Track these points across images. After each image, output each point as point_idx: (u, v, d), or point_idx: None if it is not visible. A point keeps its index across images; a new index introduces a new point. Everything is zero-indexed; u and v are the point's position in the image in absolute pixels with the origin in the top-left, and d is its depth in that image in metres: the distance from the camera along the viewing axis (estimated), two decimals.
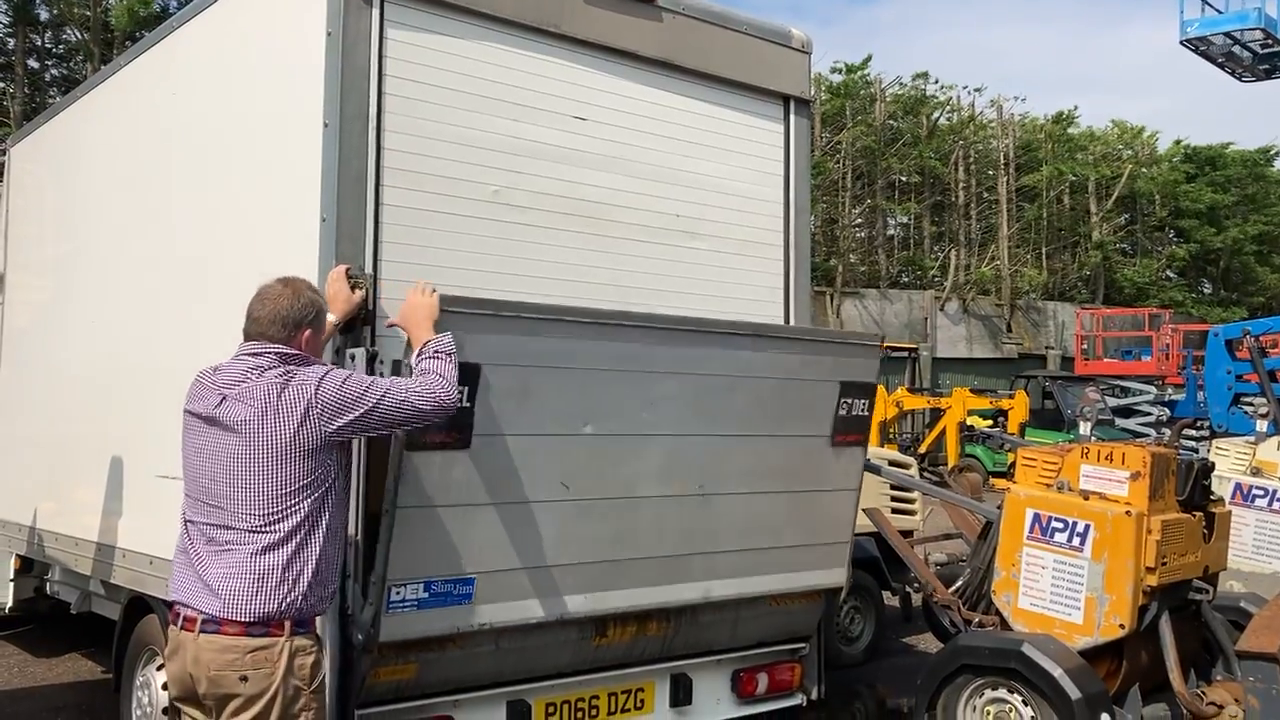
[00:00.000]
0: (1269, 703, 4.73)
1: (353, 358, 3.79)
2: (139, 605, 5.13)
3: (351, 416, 3.20)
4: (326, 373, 3.26)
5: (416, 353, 3.41)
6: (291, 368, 3.27)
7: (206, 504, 3.23)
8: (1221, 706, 5.10)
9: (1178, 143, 44.96)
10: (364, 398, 3.20)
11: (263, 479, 3.15)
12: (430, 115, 4.18)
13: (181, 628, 3.19)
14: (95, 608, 6.05)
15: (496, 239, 4.32)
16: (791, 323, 5.33)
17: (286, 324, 3.32)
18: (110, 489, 5.32)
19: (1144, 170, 42.47)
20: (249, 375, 3.26)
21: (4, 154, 7.64)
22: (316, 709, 3.21)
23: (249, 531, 3.15)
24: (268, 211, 4.37)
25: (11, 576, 7.10)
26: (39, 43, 28.09)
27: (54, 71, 28.41)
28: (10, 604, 7.21)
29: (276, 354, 3.30)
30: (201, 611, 3.14)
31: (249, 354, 3.32)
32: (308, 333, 3.38)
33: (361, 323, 3.87)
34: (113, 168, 5.84)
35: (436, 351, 3.38)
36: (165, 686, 3.40)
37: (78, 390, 5.97)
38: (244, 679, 3.09)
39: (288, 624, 3.14)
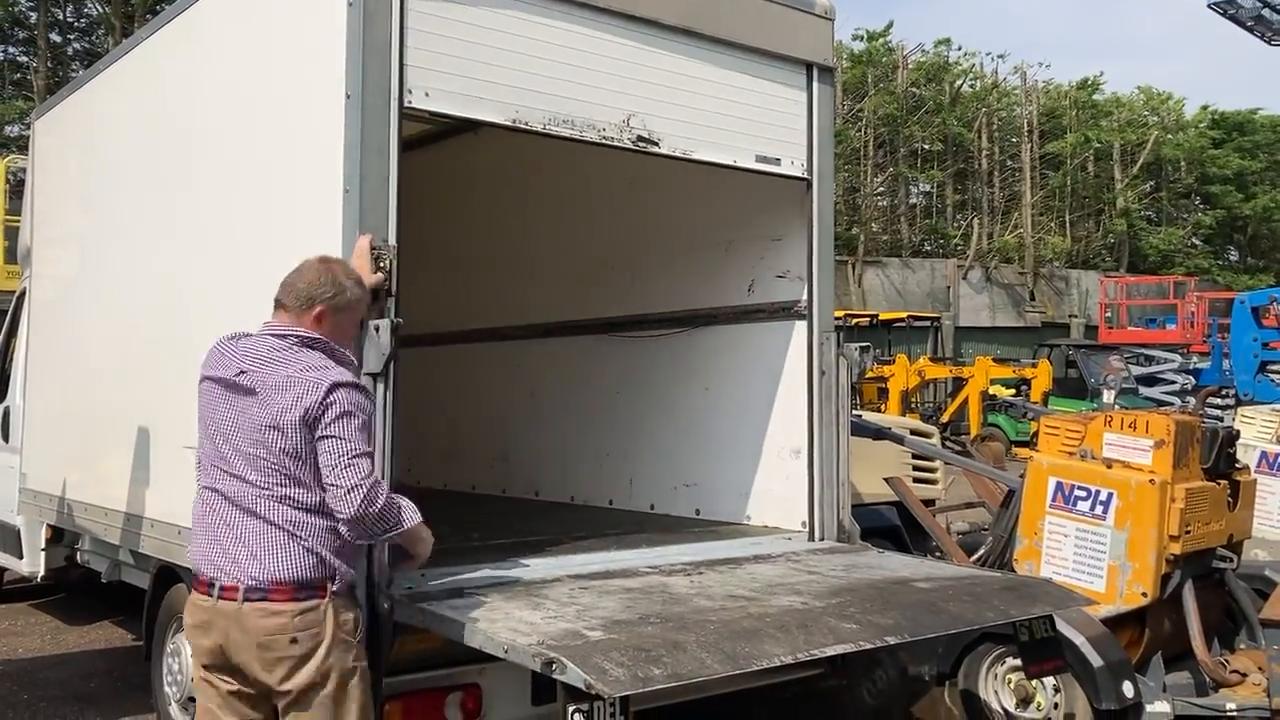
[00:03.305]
0: None
1: (376, 329, 3.81)
2: (168, 574, 5.21)
3: (322, 450, 3.19)
4: (347, 405, 3.21)
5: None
6: (318, 358, 3.30)
7: (225, 471, 3.27)
8: (1245, 674, 5.10)
9: (1205, 108, 44.50)
10: (345, 457, 3.17)
11: (276, 444, 3.20)
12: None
13: (221, 597, 3.21)
14: (125, 576, 6.14)
15: None
16: (815, 293, 5.33)
17: (300, 296, 3.36)
18: (138, 459, 5.38)
19: (1170, 136, 41.97)
20: (274, 350, 3.30)
21: (28, 128, 7.68)
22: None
23: (270, 496, 3.21)
24: (292, 183, 4.38)
25: (43, 546, 7.22)
26: (61, 16, 28.18)
27: (76, 45, 28.56)
28: (42, 573, 7.33)
29: (299, 338, 3.33)
30: (241, 580, 3.18)
31: (273, 334, 3.36)
32: (319, 309, 3.37)
33: (386, 294, 3.89)
34: (137, 140, 5.86)
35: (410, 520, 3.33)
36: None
37: (105, 362, 6.03)
38: (294, 641, 3.17)
39: (329, 585, 3.23)
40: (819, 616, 3.68)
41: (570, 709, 3.07)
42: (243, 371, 3.29)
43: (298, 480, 3.21)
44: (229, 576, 3.21)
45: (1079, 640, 4.81)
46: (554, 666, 3.04)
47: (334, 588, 3.24)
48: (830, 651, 3.46)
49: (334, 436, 3.18)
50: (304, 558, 3.20)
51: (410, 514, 3.35)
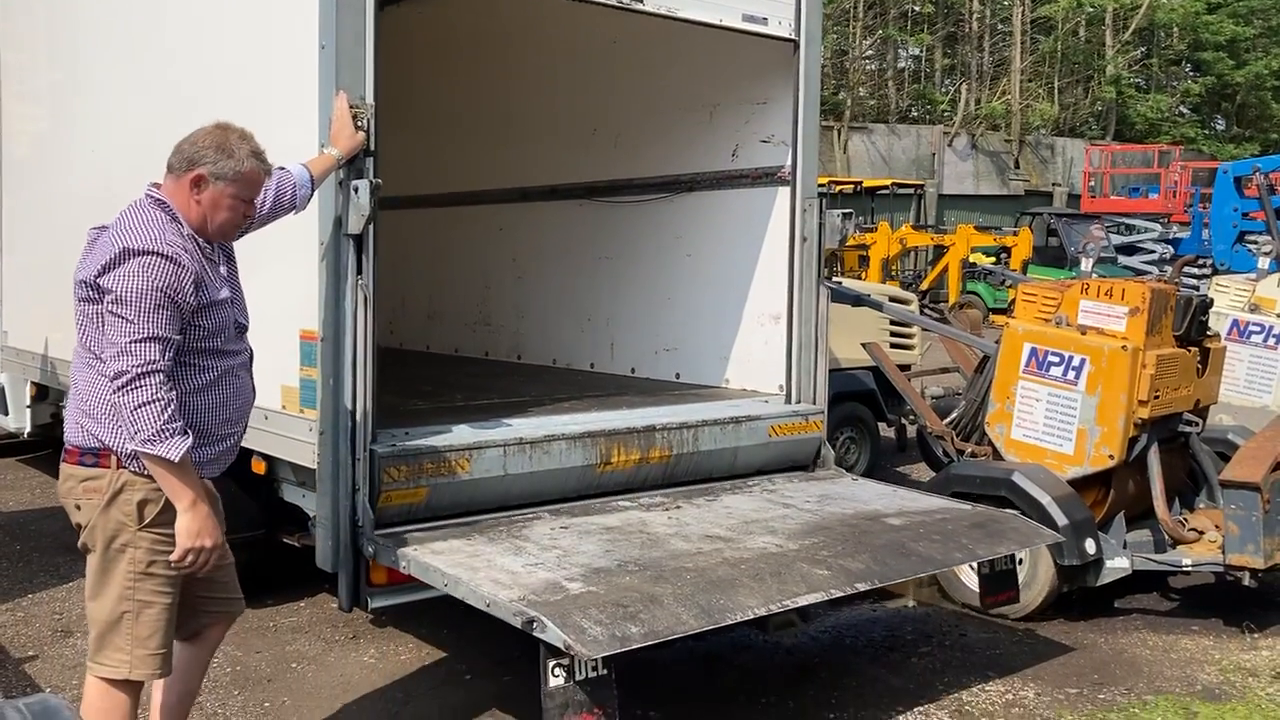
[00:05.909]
0: (1247, 528, 4.91)
1: (355, 190, 3.79)
2: None
3: (107, 324, 2.89)
4: (131, 275, 2.87)
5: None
6: (145, 219, 3.01)
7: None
8: (1202, 533, 5.29)
9: None
10: (111, 331, 2.87)
11: (78, 303, 3.00)
12: None
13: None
14: None
15: None
16: (799, 159, 5.29)
17: (182, 155, 3.08)
18: None
19: (1164, 1, 41.06)
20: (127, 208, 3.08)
21: None
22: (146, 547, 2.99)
23: (79, 358, 3.05)
24: (267, 37, 4.29)
25: (28, 403, 7.28)
26: None
27: None
28: (29, 429, 7.40)
29: (150, 198, 3.08)
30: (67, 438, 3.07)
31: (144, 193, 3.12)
32: (197, 172, 3.03)
33: (365, 154, 3.85)
34: None
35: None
36: None
37: (81, 218, 5.95)
38: (77, 507, 3.02)
39: (114, 457, 2.96)
40: (792, 562, 3.82)
41: (551, 664, 3.14)
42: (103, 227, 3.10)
43: (94, 342, 2.98)
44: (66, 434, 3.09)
45: (1045, 500, 4.97)
46: (534, 625, 3.13)
47: (125, 463, 2.95)
48: (802, 602, 3.62)
49: (116, 315, 2.86)
50: (90, 425, 2.97)
51: (169, 445, 2.83)
